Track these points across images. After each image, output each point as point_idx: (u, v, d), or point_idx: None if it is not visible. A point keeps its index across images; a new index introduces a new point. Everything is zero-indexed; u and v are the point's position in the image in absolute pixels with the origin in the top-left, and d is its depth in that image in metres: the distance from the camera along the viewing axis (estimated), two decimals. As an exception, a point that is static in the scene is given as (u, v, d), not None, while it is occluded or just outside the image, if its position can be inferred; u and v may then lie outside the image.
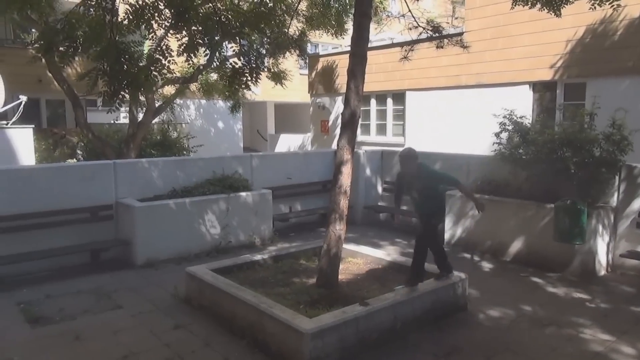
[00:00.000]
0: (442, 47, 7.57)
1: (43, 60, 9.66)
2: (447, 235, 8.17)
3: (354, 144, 5.37)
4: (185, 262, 6.86)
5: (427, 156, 7.72)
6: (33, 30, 12.28)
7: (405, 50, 7.91)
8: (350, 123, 5.30)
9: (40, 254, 6.53)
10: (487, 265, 7.21)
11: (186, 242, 7.49)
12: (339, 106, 14.98)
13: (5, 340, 4.71)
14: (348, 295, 5.04)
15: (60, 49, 5.74)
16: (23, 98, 11.96)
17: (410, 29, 7.30)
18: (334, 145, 9.57)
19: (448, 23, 20.86)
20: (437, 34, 7.25)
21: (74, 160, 12.98)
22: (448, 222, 8.12)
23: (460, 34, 11.20)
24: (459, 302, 5.35)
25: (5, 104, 11.46)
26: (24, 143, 10.51)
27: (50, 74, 11.49)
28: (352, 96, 5.28)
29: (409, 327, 4.73)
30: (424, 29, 7.20)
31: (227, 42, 6.92)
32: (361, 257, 6.45)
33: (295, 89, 18.53)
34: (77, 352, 4.48)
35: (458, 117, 11.84)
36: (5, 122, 11.36)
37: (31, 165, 9.94)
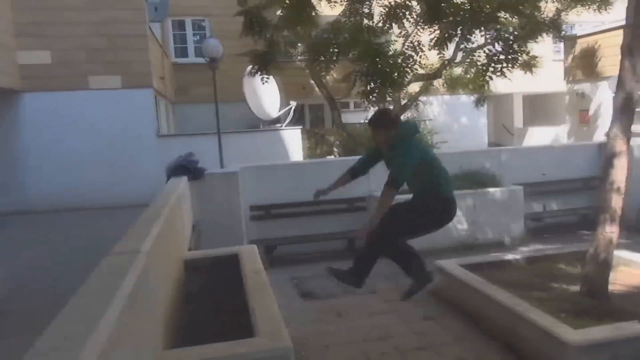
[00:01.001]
0: None
1: (307, 70, 11.04)
2: None
3: (630, 133, 4.58)
4: (431, 256, 6.91)
5: None
6: (299, 44, 14.18)
7: None
8: (624, 109, 4.55)
9: (310, 238, 7.54)
10: None
11: (432, 236, 7.51)
12: (602, 93, 13.00)
13: (284, 308, 5.56)
14: (622, 310, 4.34)
15: (322, 58, 6.47)
16: (293, 104, 13.93)
17: None
18: (597, 138, 8.33)
19: None
20: None
21: (332, 156, 14.48)
22: None
23: None
24: None
25: (280, 110, 13.55)
26: (294, 142, 12.25)
27: (312, 81, 13.07)
28: (627, 77, 4.52)
29: None
30: None
31: (478, 30, 6.70)
32: (637, 267, 5.48)
33: (547, 77, 16.80)
34: (340, 327, 4.99)
35: None
36: (280, 124, 13.43)
37: (302, 160, 11.50)
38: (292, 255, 7.49)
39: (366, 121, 15.02)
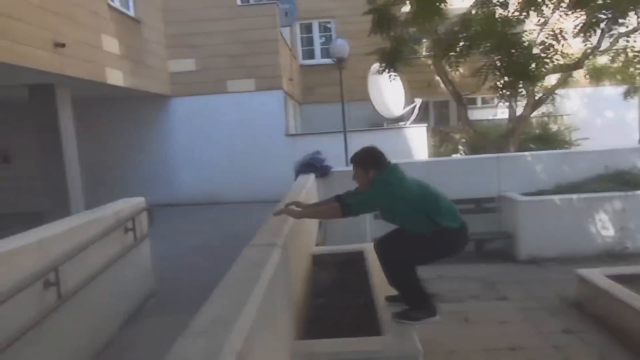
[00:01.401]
0: None
1: (432, 66, 10.75)
2: None
3: None
4: (570, 263, 6.36)
5: None
6: (424, 40, 13.86)
7: None
8: None
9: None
10: None
11: (572, 242, 6.93)
12: None
13: (407, 308, 5.50)
14: None
15: (451, 53, 6.23)
16: (418, 101, 13.69)
17: None
18: None
19: None
20: None
21: (458, 155, 13.95)
22: None
23: None
24: None
25: (404, 107, 13.40)
26: (418, 140, 12.04)
27: (437, 78, 12.70)
28: None
29: None
30: None
31: (633, 12, 5.93)
32: None
33: None
34: (467, 333, 4.79)
35: None
36: (403, 122, 13.28)
37: (426, 159, 11.26)
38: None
39: (495, 117, 14.15)
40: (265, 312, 1.91)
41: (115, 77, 8.07)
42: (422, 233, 3.04)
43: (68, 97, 7.36)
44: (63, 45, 6.33)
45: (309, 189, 5.53)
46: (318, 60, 15.55)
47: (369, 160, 3.12)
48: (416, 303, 3.13)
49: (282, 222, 3.20)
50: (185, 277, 5.46)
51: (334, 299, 3.71)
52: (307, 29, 15.82)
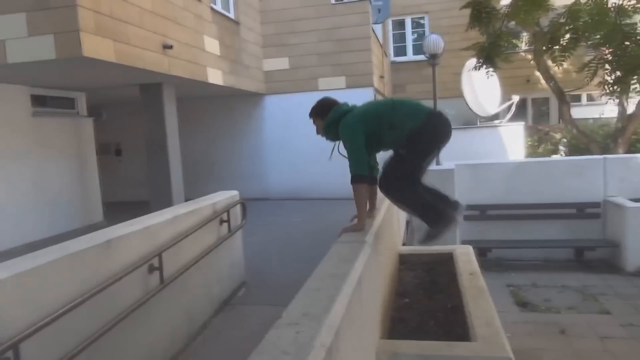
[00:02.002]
0: None
1: (532, 61, 10.14)
2: None
3: None
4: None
5: None
6: (524, 33, 13.10)
7: None
8: None
9: (528, 243, 6.96)
10: None
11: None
12: None
13: (498, 316, 5.28)
14: None
15: (555, 47, 5.81)
16: (515, 98, 13.00)
17: None
18: None
19: None
20: None
21: (558, 155, 13.08)
22: None
23: None
24: None
25: (499, 105, 12.79)
26: (514, 139, 11.45)
27: (537, 73, 11.95)
28: None
29: None
30: None
31: None
32: None
33: None
34: (563, 346, 4.50)
35: None
36: (498, 120, 12.68)
37: (522, 159, 10.68)
38: (507, 260, 7.00)
39: (601, 116, 13.06)
40: (353, 308, 1.94)
41: (216, 77, 8.54)
42: (398, 148, 3.02)
43: (173, 95, 7.92)
44: (171, 47, 6.81)
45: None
46: (409, 57, 15.31)
47: (319, 111, 3.35)
48: (432, 219, 3.09)
49: (370, 220, 3.21)
50: (272, 270, 5.66)
51: (420, 301, 3.64)
52: (400, 25, 15.62)
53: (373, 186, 3.30)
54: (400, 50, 15.63)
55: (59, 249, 2.68)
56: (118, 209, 7.87)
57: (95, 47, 5.38)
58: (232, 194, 5.02)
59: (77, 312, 2.54)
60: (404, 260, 4.48)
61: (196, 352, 3.72)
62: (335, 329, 1.60)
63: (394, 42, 15.65)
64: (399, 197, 3.13)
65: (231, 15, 9.56)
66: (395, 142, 3.02)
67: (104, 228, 3.30)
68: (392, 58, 15.33)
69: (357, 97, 10.64)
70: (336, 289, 1.89)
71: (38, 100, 7.63)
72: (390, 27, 15.36)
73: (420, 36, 14.78)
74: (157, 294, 3.36)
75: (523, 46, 12.64)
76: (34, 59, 5.25)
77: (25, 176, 7.27)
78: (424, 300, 3.65)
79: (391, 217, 4.32)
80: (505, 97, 13.29)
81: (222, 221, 4.67)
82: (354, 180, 2.96)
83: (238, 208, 5.05)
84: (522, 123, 12.36)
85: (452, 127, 3.21)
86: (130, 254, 3.15)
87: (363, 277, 2.22)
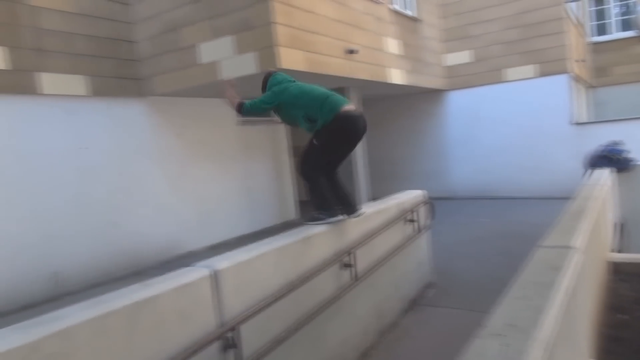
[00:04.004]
0: None
1: None
2: None
3: None
4: None
5: None
6: None
7: None
8: None
9: None
10: None
11: None
12: None
13: None
14: None
15: None
16: None
17: None
18: None
19: None
20: None
21: None
22: None
23: None
24: None
25: None
26: None
27: None
28: None
29: None
30: None
31: None
32: None
33: None
34: None
35: None
36: None
37: None
38: None
39: None
40: (563, 322, 1.75)
41: (397, 76, 8.61)
42: (312, 138, 3.45)
43: (358, 98, 8.22)
44: (352, 52, 7.09)
45: (603, 185, 4.80)
46: (613, 35, 13.33)
47: (262, 88, 3.77)
48: (318, 205, 3.49)
49: (577, 222, 2.87)
50: (459, 272, 5.47)
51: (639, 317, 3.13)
52: (599, 0, 13.72)
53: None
54: (601, 29, 13.71)
55: (267, 243, 2.99)
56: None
57: (289, 58, 5.89)
58: (418, 193, 5.00)
59: (283, 302, 2.80)
60: (617, 270, 3.92)
61: (387, 349, 3.80)
62: (545, 344, 1.46)
63: (594, 19, 13.79)
64: (303, 177, 3.56)
65: (411, 13, 9.53)
66: (309, 130, 3.45)
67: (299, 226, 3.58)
68: (592, 38, 13.54)
69: (551, 87, 9.73)
70: (544, 298, 1.73)
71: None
72: (586, 2, 13.59)
73: (629, 9, 12.77)
74: (350, 290, 3.52)
75: None
76: (240, 74, 5.98)
77: (234, 177, 8.34)
78: (646, 317, 3.13)
79: (600, 218, 3.82)
80: None
81: (409, 220, 4.69)
82: (238, 108, 3.64)
83: (425, 207, 5.02)
84: None
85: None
86: (324, 251, 3.36)
87: (573, 287, 1.99)
